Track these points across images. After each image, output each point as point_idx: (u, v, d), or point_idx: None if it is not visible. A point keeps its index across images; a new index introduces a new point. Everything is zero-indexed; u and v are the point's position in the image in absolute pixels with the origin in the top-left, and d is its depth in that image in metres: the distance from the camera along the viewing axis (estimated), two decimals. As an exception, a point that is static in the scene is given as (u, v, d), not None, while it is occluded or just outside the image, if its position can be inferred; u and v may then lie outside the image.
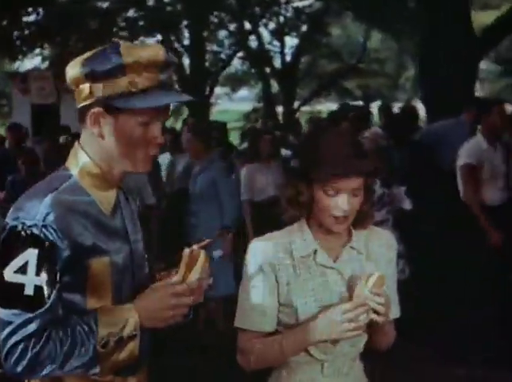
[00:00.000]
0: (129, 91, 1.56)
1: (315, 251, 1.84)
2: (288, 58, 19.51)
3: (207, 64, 18.28)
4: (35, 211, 1.51)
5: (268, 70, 19.29)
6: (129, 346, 1.57)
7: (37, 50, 16.76)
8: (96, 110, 1.59)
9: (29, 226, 1.50)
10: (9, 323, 1.49)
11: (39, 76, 10.26)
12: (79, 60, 1.60)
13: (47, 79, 10.07)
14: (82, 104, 1.62)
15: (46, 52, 17.24)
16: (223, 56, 19.39)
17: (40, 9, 15.08)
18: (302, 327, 1.77)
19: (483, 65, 29.39)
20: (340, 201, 1.75)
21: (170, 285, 1.60)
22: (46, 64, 17.01)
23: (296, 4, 18.58)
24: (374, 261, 1.89)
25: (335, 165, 1.72)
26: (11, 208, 1.57)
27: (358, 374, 1.93)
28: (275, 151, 5.68)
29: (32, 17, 15.23)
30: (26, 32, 15.07)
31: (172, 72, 1.69)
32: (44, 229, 1.50)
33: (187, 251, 1.64)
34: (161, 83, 1.59)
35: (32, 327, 1.49)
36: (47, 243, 1.50)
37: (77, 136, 1.74)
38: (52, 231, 1.51)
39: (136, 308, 1.58)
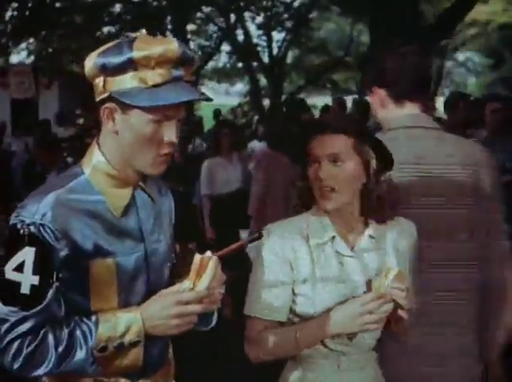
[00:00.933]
0: (139, 87, 1.51)
1: (332, 238, 1.77)
2: (275, 52, 19.49)
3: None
4: (34, 209, 1.50)
5: (255, 64, 19.27)
6: (131, 353, 1.54)
7: (23, 45, 16.69)
8: (109, 105, 1.54)
9: (28, 224, 1.49)
10: (6, 320, 1.49)
11: (19, 70, 10.24)
12: (95, 52, 1.56)
13: (27, 74, 10.06)
14: (97, 99, 1.57)
15: (31, 46, 17.17)
16: (208, 49, 19.36)
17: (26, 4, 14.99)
18: (319, 319, 1.70)
19: (476, 58, 29.63)
20: (319, 169, 1.71)
21: (177, 292, 1.54)
22: (31, 58, 16.95)
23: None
24: (393, 251, 1.82)
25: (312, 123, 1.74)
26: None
27: (373, 366, 1.85)
28: (235, 145, 5.72)
29: (17, 12, 15.14)
30: (10, 26, 15.00)
31: (192, 68, 1.60)
32: (41, 228, 1.48)
33: (198, 257, 1.55)
34: (174, 80, 1.53)
35: (26, 326, 1.49)
36: (44, 242, 1.48)
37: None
38: (48, 230, 1.49)
39: (141, 315, 1.54)
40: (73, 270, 1.54)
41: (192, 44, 18.48)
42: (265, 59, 19.55)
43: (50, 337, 1.50)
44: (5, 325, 1.49)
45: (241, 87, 27.28)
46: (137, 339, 1.53)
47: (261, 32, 19.65)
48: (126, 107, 1.52)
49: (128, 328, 1.52)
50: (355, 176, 1.72)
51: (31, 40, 16.33)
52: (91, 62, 1.55)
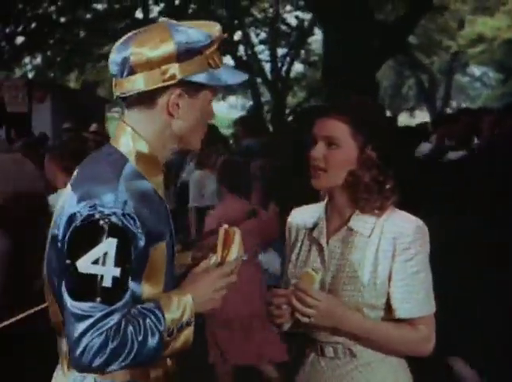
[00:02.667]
0: (205, 70, 1.54)
1: (315, 225, 1.82)
2: (278, 66, 19.54)
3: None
4: (110, 198, 1.44)
5: (258, 79, 19.33)
6: (184, 333, 1.52)
7: (27, 59, 16.93)
8: (177, 91, 1.53)
9: (108, 214, 1.43)
10: (88, 317, 1.40)
11: (12, 85, 10.37)
12: (165, 38, 1.50)
13: (20, 88, 10.19)
14: (158, 85, 1.52)
15: (35, 61, 17.41)
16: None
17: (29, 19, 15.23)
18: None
19: (491, 73, 29.49)
20: (315, 148, 1.73)
21: (218, 267, 1.59)
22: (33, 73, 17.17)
23: (285, 15, 18.75)
24: (380, 247, 1.72)
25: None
26: (77, 195, 1.48)
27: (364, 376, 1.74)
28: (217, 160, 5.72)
29: (21, 27, 15.38)
30: (14, 42, 15.24)
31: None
32: (123, 218, 1.44)
33: (222, 230, 1.60)
34: (222, 62, 1.59)
35: (112, 320, 1.41)
36: (126, 232, 1.44)
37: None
38: (130, 219, 1.45)
39: (192, 294, 1.55)
40: (139, 258, 1.49)
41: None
42: (268, 73, 19.60)
43: (130, 330, 1.44)
44: (88, 322, 1.40)
45: (233, 99, 27.35)
46: (191, 318, 1.53)
47: (264, 47, 19.76)
48: (194, 91, 1.55)
49: (184, 307, 1.52)
50: (347, 161, 1.72)
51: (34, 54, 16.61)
52: (165, 48, 1.50)
